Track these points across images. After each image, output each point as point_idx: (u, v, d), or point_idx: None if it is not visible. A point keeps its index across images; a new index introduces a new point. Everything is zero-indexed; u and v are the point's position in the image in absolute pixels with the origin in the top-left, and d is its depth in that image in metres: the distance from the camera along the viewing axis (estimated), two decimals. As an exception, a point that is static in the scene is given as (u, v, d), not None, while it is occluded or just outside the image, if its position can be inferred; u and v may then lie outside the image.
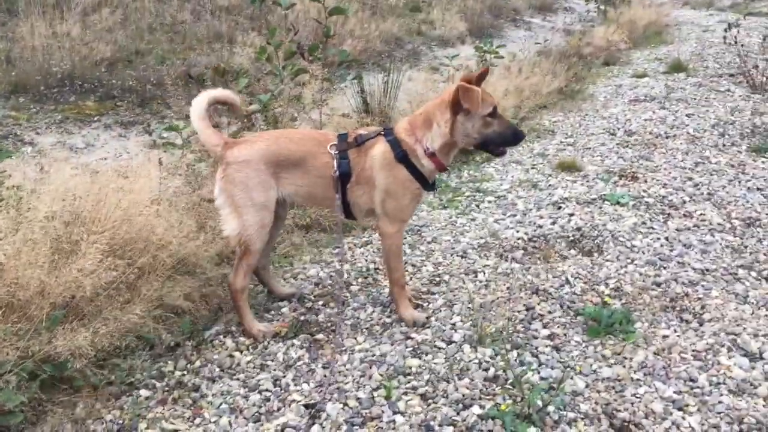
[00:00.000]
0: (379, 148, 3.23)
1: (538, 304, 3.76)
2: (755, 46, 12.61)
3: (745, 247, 4.74)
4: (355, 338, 3.42)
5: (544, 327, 3.55)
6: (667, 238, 4.70)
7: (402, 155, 3.19)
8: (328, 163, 3.21)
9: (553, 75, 8.82)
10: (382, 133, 3.28)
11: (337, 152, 3.21)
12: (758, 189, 5.72)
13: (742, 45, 12.32)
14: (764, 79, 9.94)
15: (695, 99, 8.47)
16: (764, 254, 4.64)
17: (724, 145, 6.82)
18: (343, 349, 3.33)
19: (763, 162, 6.48)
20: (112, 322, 3.04)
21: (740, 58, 11.15)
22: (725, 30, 9.91)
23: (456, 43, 10.96)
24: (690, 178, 5.86)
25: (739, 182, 5.88)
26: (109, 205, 3.45)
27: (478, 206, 5.32)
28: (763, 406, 3.11)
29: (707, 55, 11.18)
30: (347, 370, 3.14)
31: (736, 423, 2.95)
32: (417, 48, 10.22)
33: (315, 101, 5.68)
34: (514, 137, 3.31)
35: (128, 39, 8.76)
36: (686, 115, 7.74)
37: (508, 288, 3.95)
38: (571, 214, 5.03)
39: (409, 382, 3.08)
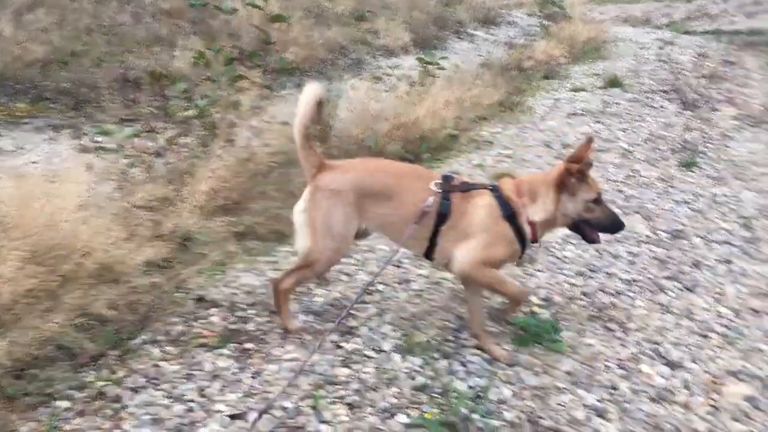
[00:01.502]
0: (487, 200, 3.23)
1: (470, 313, 3.81)
2: (688, 63, 13.09)
3: (671, 258, 4.90)
4: (284, 347, 3.39)
5: (474, 336, 3.60)
6: (597, 249, 4.82)
7: (511, 213, 3.20)
8: (426, 199, 3.19)
9: (494, 87, 8.95)
10: (489, 188, 3.31)
11: (440, 191, 3.20)
12: (685, 202, 5.94)
13: (675, 63, 12.81)
14: (695, 96, 10.33)
15: (629, 114, 8.71)
16: (688, 266, 4.81)
17: (655, 160, 7.04)
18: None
19: (690, 176, 6.71)
20: (31, 330, 2.95)
21: (673, 75, 11.58)
22: (660, 48, 10.24)
23: (400, 53, 11.02)
24: (621, 191, 6.03)
25: (668, 195, 6.08)
26: (33, 211, 3.35)
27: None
28: (681, 413, 3.22)
29: (643, 72, 11.52)
30: (275, 380, 3.11)
31: (654, 430, 3.04)
32: (361, 57, 10.25)
33: (254, 108, 5.63)
34: (613, 226, 3.32)
35: (64, 40, 8.51)
36: (620, 130, 7.96)
37: (440, 298, 3.98)
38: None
39: (337, 392, 3.07)
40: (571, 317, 3.89)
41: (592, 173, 3.24)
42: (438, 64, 7.96)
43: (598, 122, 8.22)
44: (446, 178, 3.28)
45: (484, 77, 9.41)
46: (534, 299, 4.02)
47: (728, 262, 4.92)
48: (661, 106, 9.37)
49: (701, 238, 5.30)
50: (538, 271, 4.40)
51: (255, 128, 5.59)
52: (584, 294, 4.16)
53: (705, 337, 3.89)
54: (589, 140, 3.24)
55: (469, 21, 14.98)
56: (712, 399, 3.36)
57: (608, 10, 29.57)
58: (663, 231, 5.30)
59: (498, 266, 3.30)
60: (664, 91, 10.24)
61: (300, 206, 3.27)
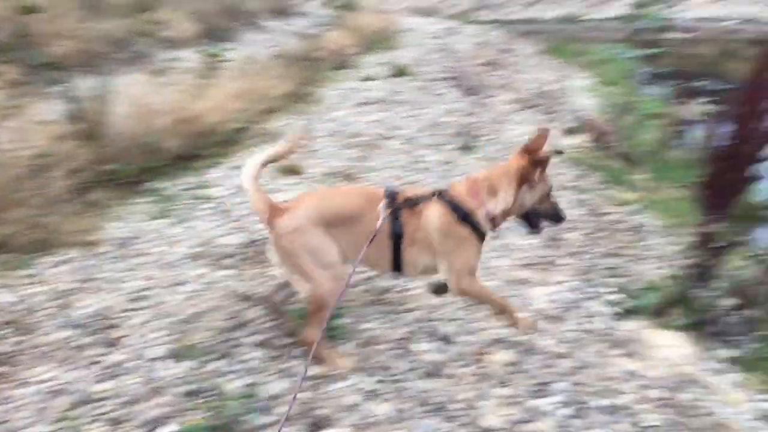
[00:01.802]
0: (438, 209, 3.21)
1: (247, 310, 3.73)
2: (471, 51, 13.88)
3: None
4: (37, 368, 3.12)
5: (252, 334, 3.53)
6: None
7: (464, 215, 3.18)
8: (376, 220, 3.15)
9: (284, 78, 8.91)
10: (436, 194, 3.26)
11: (384, 212, 3.16)
12: (462, 183, 6.26)
13: (459, 51, 13.53)
14: (476, 82, 10.97)
15: (415, 101, 9.06)
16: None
17: (438, 145, 7.37)
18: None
19: (469, 159, 7.11)
20: None
21: (457, 63, 12.21)
22: (445, 37, 10.77)
23: (187, 45, 10.64)
24: (405, 176, 6.24)
25: (449, 178, 6.38)
26: None
27: (195, 214, 5.17)
28: (454, 385, 3.37)
29: (428, 60, 12.07)
30: (24, 404, 2.84)
31: (426, 404, 3.16)
32: (143, 50, 9.75)
33: (10, 107, 5.13)
34: (556, 218, 3.46)
35: None
36: (406, 117, 8.25)
37: (218, 297, 3.87)
38: (289, 217, 5.10)
39: (97, 408, 2.87)
40: (352, 304, 3.94)
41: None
42: (220, 55, 7.76)
43: (386, 110, 8.46)
44: (391, 195, 3.23)
45: (275, 68, 9.33)
46: (314, 289, 4.03)
47: (499, 238, 5.26)
48: (444, 93, 9.84)
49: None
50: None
51: (14, 129, 5.10)
52: (365, 280, 4.24)
53: (473, 311, 4.12)
54: (544, 131, 3.28)
55: (262, 12, 14.82)
56: (481, 368, 3.56)
57: (400, 1, 30.79)
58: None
59: (476, 265, 3.36)
60: (448, 79, 10.77)
61: (274, 259, 3.22)
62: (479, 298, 3.44)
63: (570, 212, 6.01)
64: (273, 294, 3.61)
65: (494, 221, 3.32)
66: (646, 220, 6.19)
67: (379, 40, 13.67)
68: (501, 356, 3.65)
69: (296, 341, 3.40)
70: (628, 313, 4.39)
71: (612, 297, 4.61)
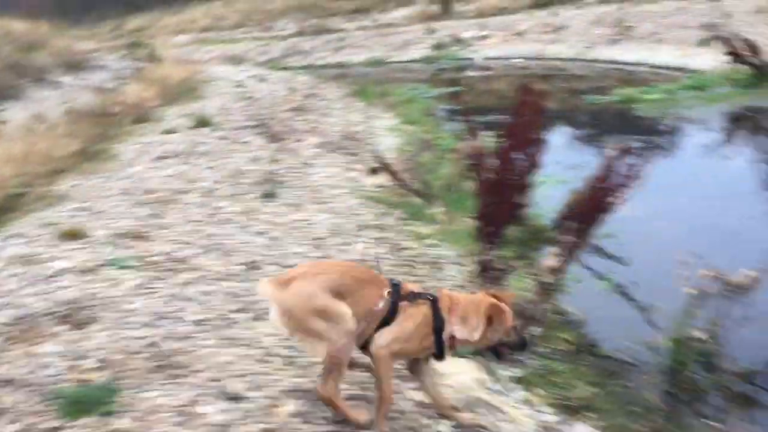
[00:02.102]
0: (423, 310, 3.46)
1: (7, 396, 3.41)
2: (278, 98, 13.99)
3: (245, 290, 5.06)
4: None
5: (12, 422, 3.22)
6: (172, 295, 4.75)
7: (439, 328, 3.44)
8: (377, 303, 3.40)
9: (74, 136, 8.44)
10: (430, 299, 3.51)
11: (391, 301, 3.41)
12: (261, 233, 6.21)
13: (266, 98, 13.58)
14: (282, 128, 11.04)
15: (217, 152, 8.94)
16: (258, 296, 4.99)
17: (238, 195, 7.29)
18: None
19: (271, 207, 7.08)
20: None
21: (263, 110, 12.23)
22: (253, 84, 10.75)
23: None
24: (201, 230, 6.08)
25: (248, 228, 6.31)
26: None
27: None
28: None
29: (234, 109, 12.00)
30: None
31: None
32: None
33: None
34: (521, 347, 3.76)
35: None
36: (207, 168, 8.10)
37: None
38: (67, 286, 4.76)
39: None
40: (132, 373, 3.73)
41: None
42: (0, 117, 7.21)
43: (186, 163, 8.26)
44: (395, 287, 3.49)
45: (65, 126, 8.83)
46: (90, 364, 3.77)
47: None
48: (249, 141, 9.80)
49: (276, 264, 5.58)
50: (100, 331, 4.16)
51: None
52: (148, 345, 4.03)
53: (267, 362, 4.05)
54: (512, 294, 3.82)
55: (54, 67, 14.02)
56: (269, 422, 3.48)
57: (212, 51, 30.55)
58: (239, 264, 5.46)
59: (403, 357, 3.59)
60: (253, 126, 10.75)
61: (285, 330, 3.35)
62: (386, 371, 3.45)
63: (369, 251, 6.18)
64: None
65: (453, 342, 3.53)
66: (443, 251, 6.47)
67: (182, 92, 13.41)
68: (292, 406, 3.61)
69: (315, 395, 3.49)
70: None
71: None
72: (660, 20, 21.84)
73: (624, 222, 7.67)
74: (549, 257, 4.81)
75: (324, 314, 3.25)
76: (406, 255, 6.40)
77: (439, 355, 3.55)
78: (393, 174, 7.61)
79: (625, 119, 14.24)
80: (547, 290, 4.73)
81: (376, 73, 24.65)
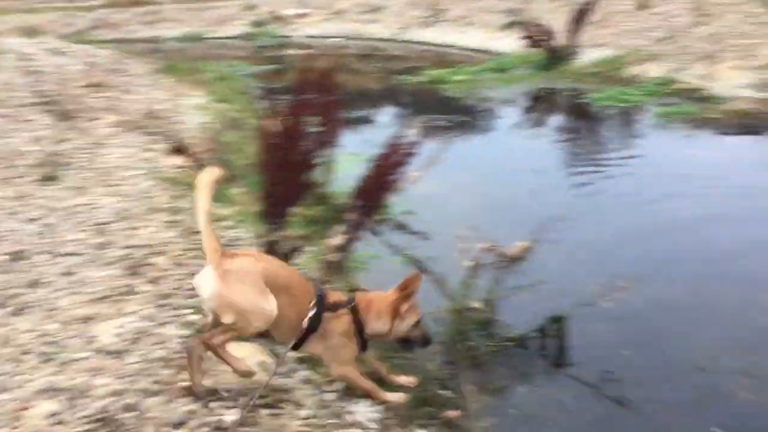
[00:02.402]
0: (344, 319, 3.76)
1: None
2: (76, 73, 12.94)
3: (7, 282, 4.61)
4: None
5: None
6: None
7: (361, 330, 3.80)
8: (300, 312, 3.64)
9: None
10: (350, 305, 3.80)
11: (314, 311, 3.65)
12: (34, 219, 5.69)
13: (60, 73, 12.52)
14: (76, 106, 10.22)
15: (-5, 132, 8.09)
16: (24, 288, 4.57)
17: (10, 178, 6.63)
18: None
19: (50, 190, 6.51)
20: None
21: (55, 86, 11.26)
22: (48, 58, 9.79)
23: None
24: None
25: (17, 215, 5.75)
26: None
27: None
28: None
29: (20, 85, 10.93)
30: None
31: None
32: None
33: None
34: (424, 342, 4.05)
35: None
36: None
37: None
38: None
39: None
40: None
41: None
42: None
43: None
44: (320, 298, 3.71)
45: None
46: None
47: (70, 273, 4.85)
48: (34, 120, 8.97)
49: (48, 253, 5.12)
50: None
51: None
52: None
53: (20, 361, 3.70)
54: (417, 275, 3.88)
55: None
56: (16, 426, 3.17)
57: (7, 21, 27.75)
58: (3, 255, 4.95)
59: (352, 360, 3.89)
60: (41, 104, 9.85)
61: (208, 292, 3.39)
62: (353, 380, 3.94)
63: (159, 235, 5.87)
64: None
65: (371, 338, 3.88)
66: (240, 233, 6.28)
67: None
68: (42, 408, 3.30)
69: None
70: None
71: (192, 318, 4.54)
72: (470, 4, 22.79)
73: (424, 198, 7.97)
74: (336, 236, 4.79)
75: (254, 295, 3.42)
76: (199, 239, 6.15)
77: (363, 349, 3.91)
78: (190, 154, 7.27)
79: (433, 99, 14.73)
80: (332, 269, 4.72)
81: (192, 48, 23.70)
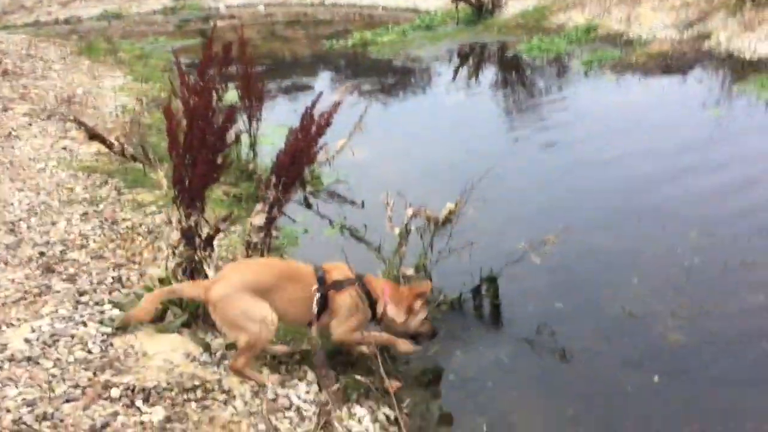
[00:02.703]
0: (350, 292, 3.97)
1: None
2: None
3: None
4: None
5: None
6: None
7: (373, 301, 4.03)
8: (303, 298, 3.86)
9: None
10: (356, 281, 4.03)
11: (319, 295, 3.86)
12: (-62, 223, 5.36)
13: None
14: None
15: None
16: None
17: None
18: None
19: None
20: None
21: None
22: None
23: None
24: None
25: None
26: None
27: None
28: None
29: None
30: None
31: None
32: None
33: None
34: (432, 335, 4.27)
35: None
36: None
37: None
38: None
39: None
40: None
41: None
42: None
43: None
44: (321, 280, 3.91)
45: None
46: None
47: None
48: (-63, 116, 8.47)
49: (-46, 259, 4.84)
50: None
51: None
52: None
53: None
54: (427, 284, 4.25)
55: None
56: None
57: None
58: None
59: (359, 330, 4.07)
60: (-57, 98, 9.32)
61: (217, 324, 3.74)
62: (357, 341, 4.11)
63: (76, 229, 5.61)
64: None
65: (381, 319, 4.10)
66: (165, 218, 6.06)
67: None
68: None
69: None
70: (124, 327, 4.17)
71: (113, 313, 4.36)
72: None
73: (356, 166, 7.84)
74: (256, 215, 4.62)
75: (244, 311, 3.66)
76: (123, 227, 5.91)
77: (375, 319, 4.12)
78: (103, 140, 6.96)
79: (361, 62, 14.51)
80: (255, 249, 4.57)
81: (113, 27, 22.81)
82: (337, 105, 4.75)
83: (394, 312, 4.09)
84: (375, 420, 3.80)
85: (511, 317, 4.79)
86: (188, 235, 4.45)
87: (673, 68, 10.57)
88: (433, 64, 13.89)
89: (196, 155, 4.39)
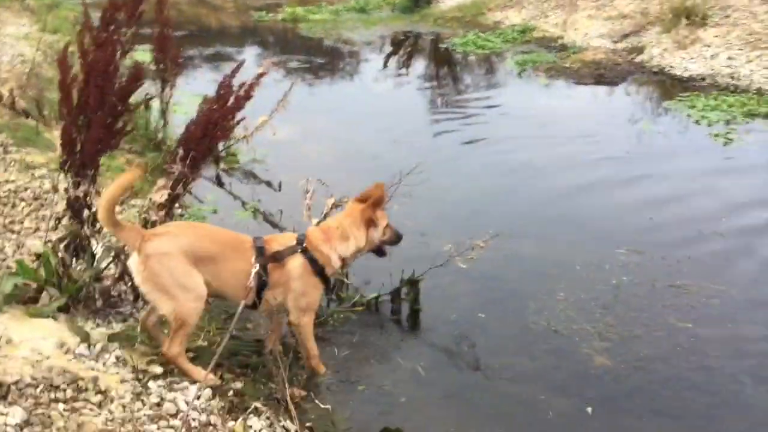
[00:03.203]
0: (298, 262, 3.60)
1: None
2: None
3: None
4: None
5: None
6: None
7: (320, 270, 3.63)
8: (246, 271, 3.49)
9: None
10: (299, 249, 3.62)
11: (258, 266, 3.49)
12: None
13: None
14: None
15: None
16: None
17: None
18: None
19: None
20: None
21: None
22: None
23: None
24: None
25: None
26: None
27: None
28: None
29: None
30: None
31: None
32: None
33: None
34: (398, 239, 3.90)
35: None
36: None
37: None
38: None
39: None
40: None
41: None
42: None
43: None
44: (260, 249, 3.54)
45: None
46: None
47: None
48: None
49: None
50: None
51: None
52: None
53: None
54: (379, 186, 3.81)
55: None
56: None
57: None
58: None
59: (317, 305, 3.84)
60: None
61: (138, 279, 3.38)
62: (305, 336, 3.75)
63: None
64: (145, 318, 3.67)
65: (344, 261, 3.77)
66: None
67: None
68: None
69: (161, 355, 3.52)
70: (-9, 307, 3.57)
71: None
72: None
73: (276, 145, 7.33)
74: (157, 191, 4.07)
75: (178, 276, 3.36)
76: (5, 190, 5.23)
77: (327, 287, 3.97)
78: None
79: (290, 38, 13.91)
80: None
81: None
82: (260, 76, 4.26)
83: (348, 248, 3.72)
84: (272, 434, 3.36)
85: (431, 325, 4.44)
86: (75, 207, 3.88)
87: (606, 78, 10.50)
88: (365, 48, 13.44)
89: (91, 116, 3.82)
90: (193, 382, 3.45)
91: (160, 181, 4.15)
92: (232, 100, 4.10)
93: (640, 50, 11.17)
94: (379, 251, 3.89)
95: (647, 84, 10.31)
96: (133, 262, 3.40)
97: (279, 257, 3.58)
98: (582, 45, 12.00)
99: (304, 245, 3.63)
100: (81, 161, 3.85)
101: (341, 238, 3.71)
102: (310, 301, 3.69)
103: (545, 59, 11.65)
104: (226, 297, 3.67)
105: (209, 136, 4.06)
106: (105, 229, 3.48)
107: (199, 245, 3.46)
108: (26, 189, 5.34)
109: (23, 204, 5.13)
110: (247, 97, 4.14)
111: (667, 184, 6.68)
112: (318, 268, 3.62)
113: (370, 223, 3.75)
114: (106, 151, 3.93)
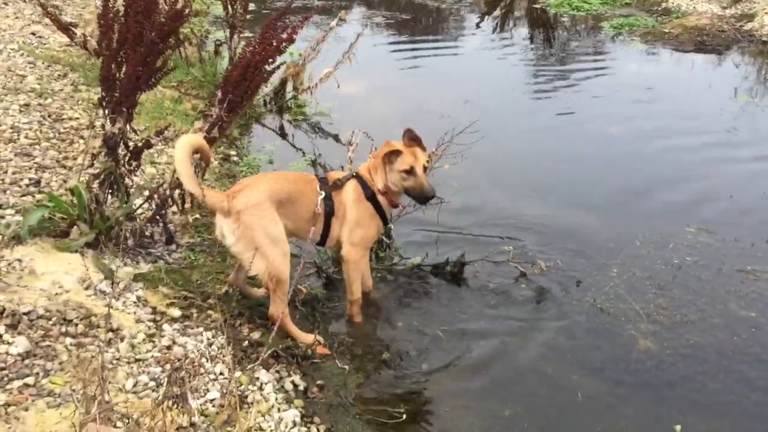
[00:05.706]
0: (352, 185, 3.75)
1: None
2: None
3: None
4: None
5: None
6: None
7: (371, 194, 3.73)
8: (316, 202, 3.61)
9: None
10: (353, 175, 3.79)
11: (323, 193, 3.63)
12: None
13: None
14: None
15: None
16: None
17: None
18: None
19: None
20: None
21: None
22: None
23: None
24: None
25: None
26: None
27: None
28: None
29: None
30: None
31: None
32: None
33: None
34: (421, 195, 3.72)
35: None
36: None
37: None
38: None
39: None
40: None
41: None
42: None
43: None
44: (322, 180, 3.72)
45: None
46: None
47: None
48: None
49: None
50: None
51: None
52: None
53: None
54: (410, 132, 3.72)
55: None
56: None
57: None
58: None
59: (372, 241, 3.91)
60: None
61: (231, 239, 3.41)
62: (352, 276, 3.78)
63: (12, 119, 5.05)
64: (235, 278, 3.79)
65: (386, 195, 3.76)
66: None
67: None
68: None
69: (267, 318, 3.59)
70: (19, 237, 3.61)
71: (12, 219, 3.82)
72: None
73: (343, 98, 7.19)
74: (192, 133, 3.98)
75: (266, 228, 3.43)
76: (66, 126, 5.32)
77: (384, 222, 3.87)
78: (66, 30, 6.31)
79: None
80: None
81: None
82: (305, 19, 4.11)
83: (378, 180, 3.76)
84: (280, 389, 3.25)
85: (465, 294, 4.20)
86: (110, 144, 3.85)
87: (708, 45, 9.70)
88: (457, 6, 12.99)
89: (129, 52, 3.76)
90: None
91: (197, 123, 4.08)
92: (274, 42, 3.97)
93: (750, 17, 10.24)
94: (416, 198, 3.80)
95: (755, 54, 9.45)
96: (225, 224, 3.43)
97: (339, 183, 3.73)
98: (687, 10, 11.12)
99: (355, 173, 3.82)
100: (118, 98, 3.81)
101: (375, 170, 3.80)
102: (363, 235, 3.75)
103: (644, 23, 10.88)
104: (299, 235, 3.73)
105: (248, 79, 3.94)
106: (192, 195, 3.52)
107: (279, 188, 3.56)
108: (88, 127, 5.41)
109: (81, 141, 5.20)
110: (290, 40, 3.99)
111: (759, 165, 6.08)
112: (369, 193, 3.73)
113: (386, 162, 3.75)
114: (144, 90, 3.86)
